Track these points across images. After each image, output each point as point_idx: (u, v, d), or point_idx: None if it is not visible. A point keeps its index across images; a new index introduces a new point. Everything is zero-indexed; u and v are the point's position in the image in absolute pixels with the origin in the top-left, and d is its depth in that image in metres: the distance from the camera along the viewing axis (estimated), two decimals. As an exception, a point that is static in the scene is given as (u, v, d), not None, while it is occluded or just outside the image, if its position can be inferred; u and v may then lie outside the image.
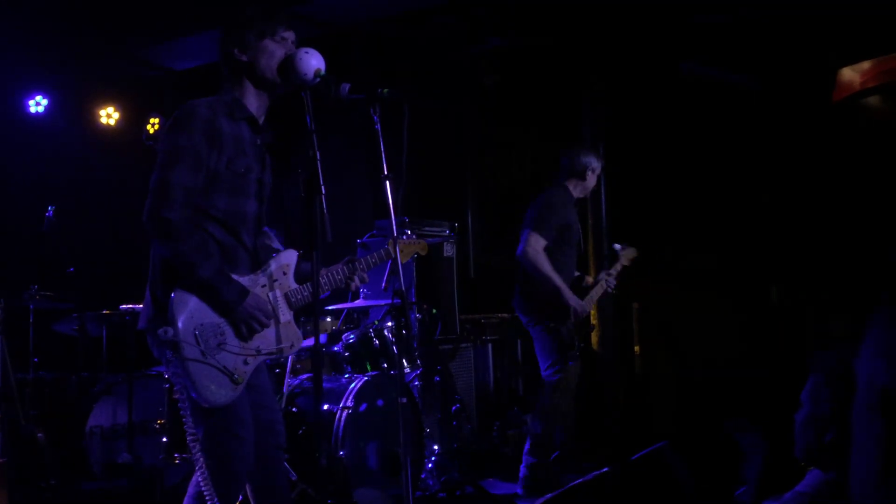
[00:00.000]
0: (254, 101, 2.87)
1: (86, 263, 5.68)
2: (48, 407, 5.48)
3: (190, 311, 2.66)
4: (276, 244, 3.15)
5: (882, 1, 5.16)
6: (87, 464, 5.11)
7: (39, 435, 4.86)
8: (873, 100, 6.18)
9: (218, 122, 2.73)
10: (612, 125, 6.46)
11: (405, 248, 3.41)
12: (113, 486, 5.03)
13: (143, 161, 6.30)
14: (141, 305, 5.10)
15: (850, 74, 6.21)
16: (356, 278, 3.02)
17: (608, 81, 6.35)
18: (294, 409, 4.39)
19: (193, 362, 2.63)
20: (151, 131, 6.35)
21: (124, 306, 5.26)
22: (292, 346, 2.89)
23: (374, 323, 4.87)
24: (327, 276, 2.98)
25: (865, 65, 6.10)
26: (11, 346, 4.68)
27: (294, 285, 2.92)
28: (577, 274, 5.04)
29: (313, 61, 2.77)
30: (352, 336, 4.77)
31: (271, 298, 2.85)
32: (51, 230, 5.27)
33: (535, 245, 4.67)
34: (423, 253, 3.51)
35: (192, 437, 2.68)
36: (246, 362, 2.75)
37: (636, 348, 6.93)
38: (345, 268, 3.02)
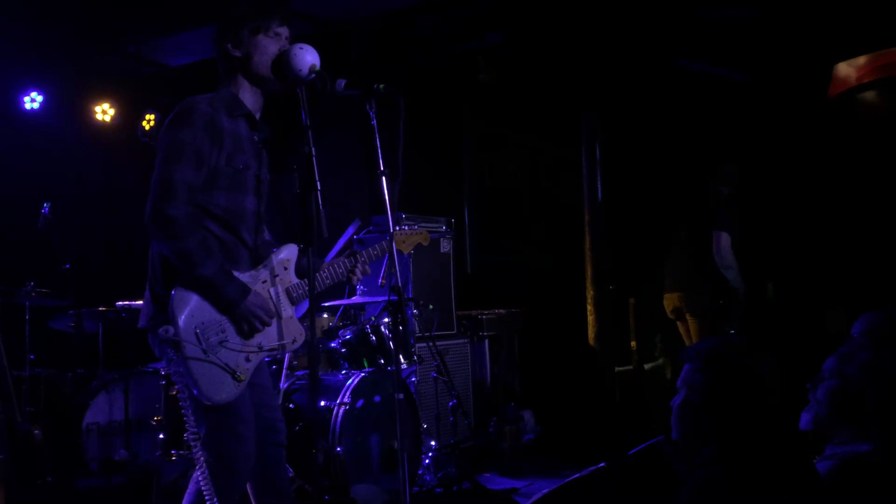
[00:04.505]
0: (249, 98, 2.87)
1: (82, 260, 5.66)
2: (45, 404, 5.47)
3: (191, 310, 2.65)
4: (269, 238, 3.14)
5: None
6: (84, 460, 5.10)
7: (36, 432, 4.84)
8: (869, 95, 6.21)
9: (218, 118, 2.73)
10: (608, 120, 6.46)
11: (407, 238, 3.38)
12: (110, 482, 5.03)
13: (138, 157, 6.32)
14: (137, 302, 5.15)
15: (846, 70, 6.23)
16: (358, 271, 3.02)
17: (604, 77, 6.34)
18: (291, 406, 4.39)
19: (195, 361, 2.62)
20: (147, 127, 6.34)
21: (120, 303, 5.26)
22: (294, 341, 2.88)
23: (370, 319, 4.87)
24: (329, 270, 2.97)
25: (861, 60, 6.13)
26: (7, 343, 4.66)
27: (295, 280, 2.91)
28: None
29: (308, 57, 2.76)
30: (349, 332, 4.76)
31: (272, 294, 2.84)
32: (46, 227, 5.26)
33: (727, 243, 5.45)
34: (425, 243, 3.47)
35: (193, 436, 2.68)
36: (248, 359, 2.74)
37: (633, 343, 6.94)
38: (346, 260, 3.01)
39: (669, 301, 5.77)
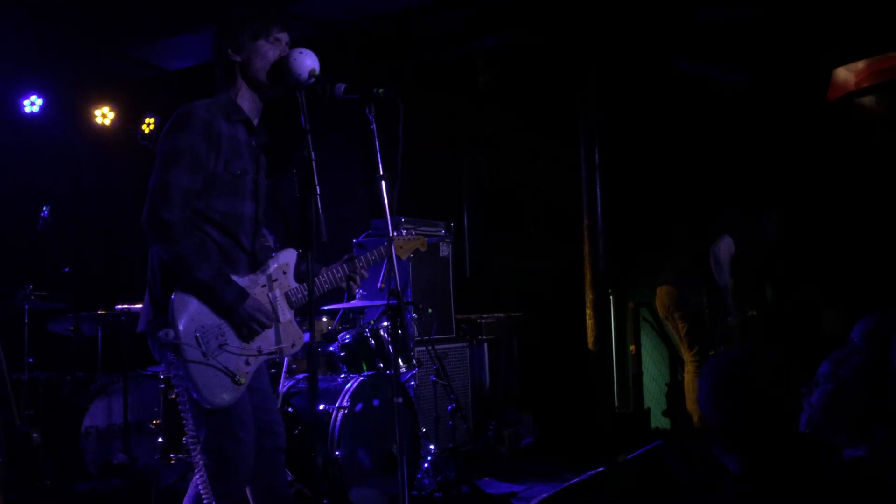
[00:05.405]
0: (248, 102, 2.87)
1: (81, 263, 5.67)
2: (43, 407, 5.47)
3: (190, 313, 2.65)
4: (269, 243, 3.14)
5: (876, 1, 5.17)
6: (83, 464, 5.11)
7: (35, 435, 4.85)
8: (868, 99, 6.21)
9: (216, 124, 2.74)
10: (607, 123, 6.46)
11: (405, 244, 3.40)
12: (108, 486, 5.03)
13: (138, 160, 6.32)
14: (136, 305, 5.15)
15: (845, 74, 6.24)
16: (357, 277, 3.02)
17: (603, 79, 6.35)
18: (290, 409, 4.38)
19: (195, 364, 2.62)
20: (146, 131, 6.35)
21: (119, 306, 5.26)
22: (293, 345, 2.88)
23: (370, 323, 4.86)
24: (328, 274, 2.98)
25: (860, 64, 6.14)
26: (6, 345, 4.67)
27: (294, 284, 2.91)
28: None
29: (308, 61, 2.77)
30: (348, 336, 4.76)
31: (271, 298, 2.85)
32: (46, 230, 5.27)
33: (729, 249, 5.48)
34: (423, 249, 3.49)
35: (192, 439, 2.68)
36: (248, 363, 2.74)
37: (631, 347, 6.93)
38: (345, 266, 3.02)
39: (660, 296, 5.75)
